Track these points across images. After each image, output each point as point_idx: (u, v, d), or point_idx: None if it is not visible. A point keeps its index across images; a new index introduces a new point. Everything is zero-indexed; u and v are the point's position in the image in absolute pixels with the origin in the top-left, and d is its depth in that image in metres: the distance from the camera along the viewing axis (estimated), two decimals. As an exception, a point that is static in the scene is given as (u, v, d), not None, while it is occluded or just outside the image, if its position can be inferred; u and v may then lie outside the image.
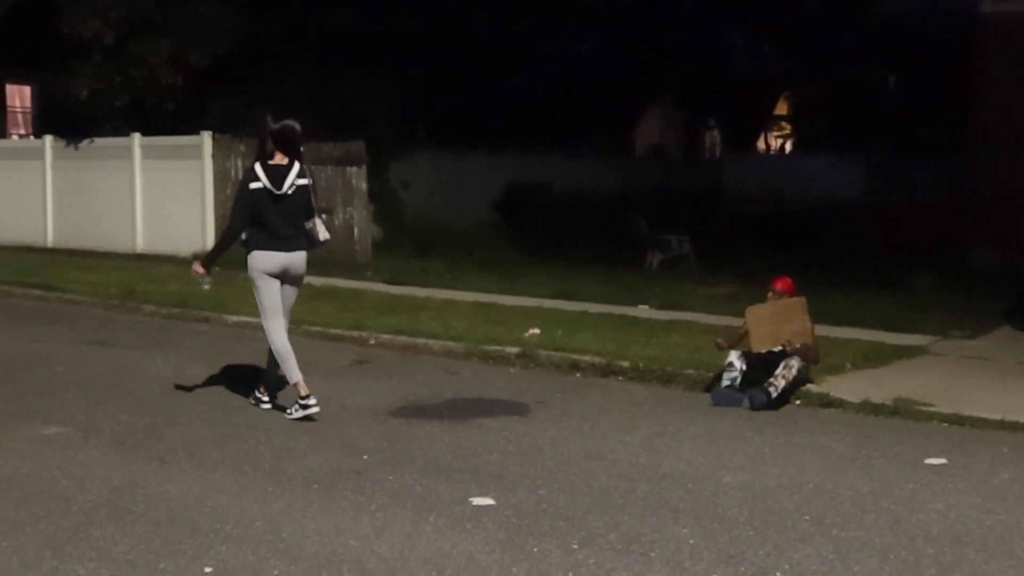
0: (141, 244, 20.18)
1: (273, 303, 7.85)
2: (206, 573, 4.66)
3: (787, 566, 4.84)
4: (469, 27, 25.33)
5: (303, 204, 7.84)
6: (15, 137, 29.00)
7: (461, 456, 6.67)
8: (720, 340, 8.95)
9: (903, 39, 25.19)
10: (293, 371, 7.67)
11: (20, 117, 30.70)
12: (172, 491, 5.83)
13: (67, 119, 21.79)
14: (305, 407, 7.58)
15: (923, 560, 4.95)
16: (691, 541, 5.16)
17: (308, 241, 7.95)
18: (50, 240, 21.63)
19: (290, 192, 7.73)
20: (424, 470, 6.30)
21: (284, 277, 7.91)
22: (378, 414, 7.83)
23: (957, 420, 7.89)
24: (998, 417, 7.85)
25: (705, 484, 6.14)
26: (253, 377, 9.12)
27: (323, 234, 8.05)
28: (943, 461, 6.72)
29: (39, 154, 21.79)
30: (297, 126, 7.78)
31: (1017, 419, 7.81)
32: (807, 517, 5.56)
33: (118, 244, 20.17)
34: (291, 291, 8.03)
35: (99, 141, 20.78)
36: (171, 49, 19.17)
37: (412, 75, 21.87)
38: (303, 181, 7.83)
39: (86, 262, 18.33)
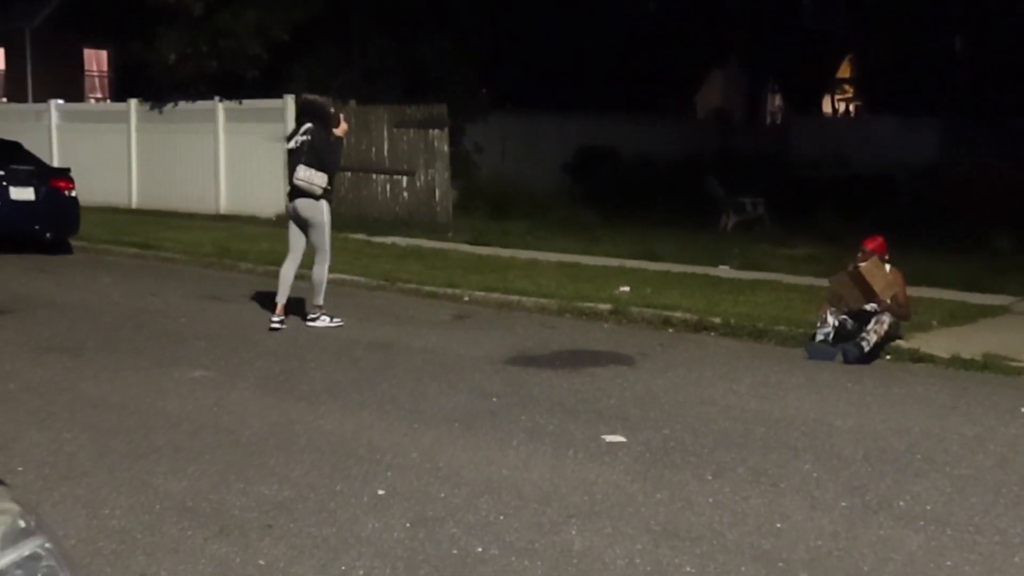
0: (224, 205, 20.78)
1: (289, 239, 9.86)
2: (379, 495, 5.14)
3: (908, 497, 5.24)
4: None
5: (301, 159, 9.38)
6: (92, 101, 29.79)
7: (583, 400, 7.12)
8: (824, 305, 9.18)
9: (973, -1, 25.07)
10: (279, 295, 9.66)
11: (97, 81, 31.51)
12: (327, 427, 6.34)
13: (145, 84, 22.41)
14: (273, 322, 9.51)
15: (1035, 494, 5.32)
16: (815, 475, 5.57)
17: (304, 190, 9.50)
18: (134, 201, 22.30)
19: (294, 147, 9.45)
20: (552, 411, 6.76)
21: (295, 219, 9.73)
22: (494, 363, 8.29)
23: (1048, 374, 8.18)
24: (1086, 370, 8.14)
25: (818, 427, 6.53)
26: (366, 328, 9.65)
27: (310, 185, 9.45)
28: (1040, 409, 7.05)
29: (124, 117, 22.40)
30: (313, 98, 9.92)
31: (1107, 373, 8.10)
32: (919, 456, 5.94)
33: (201, 205, 20.78)
34: (308, 230, 9.72)
35: (182, 105, 21.35)
36: (257, 21, 19.63)
37: (485, 39, 22.19)
38: (303, 138, 9.41)
39: (173, 222, 18.95)
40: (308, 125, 9.45)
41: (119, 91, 28.43)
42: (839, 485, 5.41)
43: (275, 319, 9.58)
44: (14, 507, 2.22)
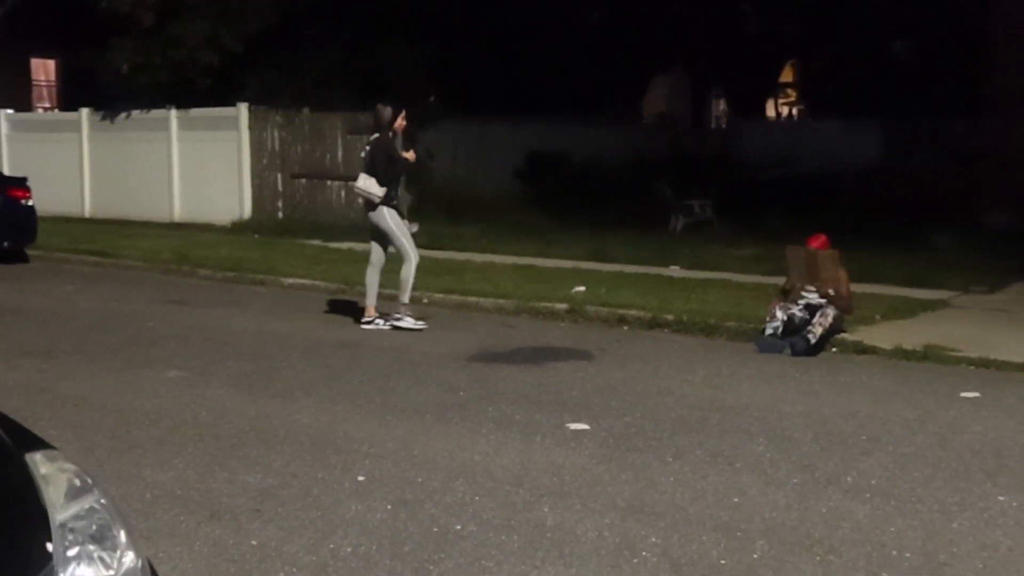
0: (178, 214, 20.86)
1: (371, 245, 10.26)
2: (360, 481, 5.43)
3: (855, 473, 5.62)
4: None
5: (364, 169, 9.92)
6: (40, 110, 29.63)
7: (546, 392, 7.45)
8: (775, 300, 9.63)
9: (914, 1, 25.76)
10: (367, 298, 10.11)
11: (45, 91, 31.33)
12: (304, 420, 6.61)
13: (95, 93, 22.42)
14: (362, 322, 10.03)
15: (971, 468, 5.72)
16: (768, 455, 5.94)
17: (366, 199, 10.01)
18: (87, 210, 22.28)
19: (363, 157, 10.09)
20: (517, 403, 7.08)
21: (371, 228, 10.25)
22: (458, 359, 8.60)
23: (984, 363, 8.61)
24: (1021, 360, 8.59)
25: (769, 413, 6.91)
26: (331, 328, 9.90)
27: (368, 194, 9.88)
28: (977, 394, 7.49)
29: (76, 127, 22.39)
30: (381, 107, 9.99)
31: (1040, 363, 8.55)
32: (864, 437, 6.33)
33: (155, 214, 20.83)
34: (383, 238, 10.14)
35: (135, 114, 21.39)
36: (207, 31, 19.75)
37: (436, 47, 22.48)
38: (367, 148, 10.04)
39: (129, 230, 19.02)
40: (375, 135, 9.93)
41: (67, 100, 28.31)
42: (791, 464, 5.78)
43: (364, 319, 10.06)
44: (72, 467, 2.50)
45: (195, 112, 20.44)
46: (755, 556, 4.50)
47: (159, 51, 20.23)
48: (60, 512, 2.34)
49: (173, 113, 20.66)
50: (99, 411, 6.77)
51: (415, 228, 10.42)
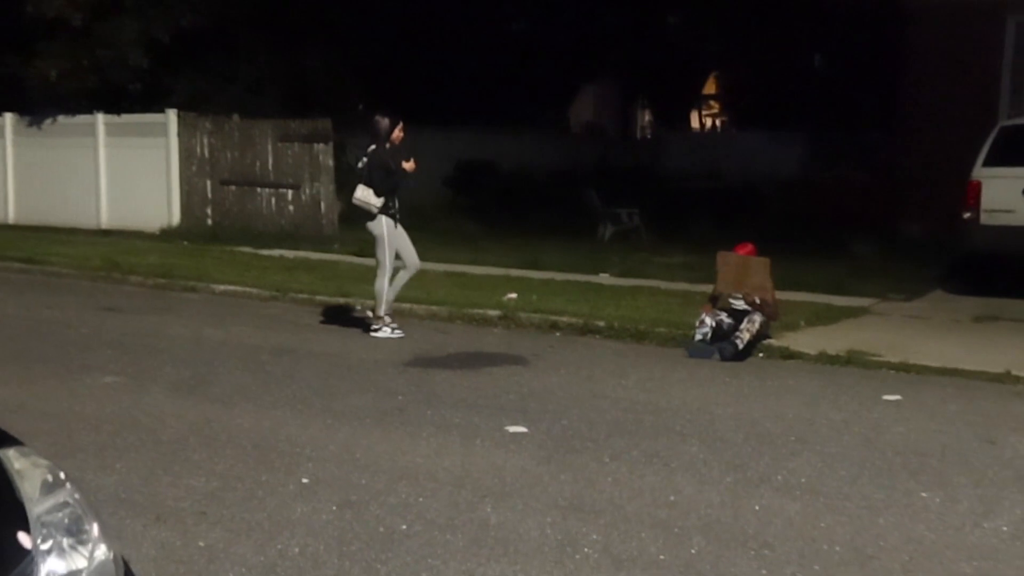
0: (106, 220, 20.62)
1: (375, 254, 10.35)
2: (304, 484, 5.50)
3: (785, 472, 5.83)
4: (417, 6, 26.03)
5: (362, 179, 9.98)
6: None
7: (483, 396, 7.57)
8: (704, 307, 9.88)
9: (831, 17, 26.35)
10: (377, 306, 10.22)
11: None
12: (245, 425, 6.65)
13: (19, 98, 22.03)
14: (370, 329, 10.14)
15: (894, 467, 5.97)
16: (701, 456, 6.13)
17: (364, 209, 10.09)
18: (11, 217, 21.93)
19: (360, 168, 10.11)
20: (456, 407, 7.20)
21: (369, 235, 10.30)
22: (395, 365, 8.69)
23: (904, 367, 8.92)
24: (939, 364, 8.91)
25: (701, 415, 7.11)
26: (267, 335, 9.93)
27: (366, 204, 9.99)
28: (898, 397, 7.77)
29: None
30: (378, 119, 10.08)
31: (956, 366, 8.86)
32: (793, 438, 6.56)
33: (82, 220, 20.57)
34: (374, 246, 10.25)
35: (62, 120, 21.08)
36: (138, 29, 19.57)
37: (367, 55, 22.53)
38: (364, 159, 10.05)
39: (56, 237, 18.76)
40: (372, 147, 9.97)
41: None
42: (723, 463, 5.98)
43: (372, 327, 10.17)
44: (45, 462, 2.57)
45: (123, 118, 20.22)
46: (693, 551, 4.67)
47: (87, 53, 19.98)
48: (36, 506, 2.41)
49: (100, 119, 20.42)
50: (38, 417, 6.74)
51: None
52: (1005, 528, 4.99)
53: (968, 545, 4.78)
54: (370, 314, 10.45)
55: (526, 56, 30.95)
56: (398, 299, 11.96)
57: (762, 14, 30.95)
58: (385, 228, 10.03)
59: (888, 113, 20.17)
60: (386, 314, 10.15)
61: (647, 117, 45.04)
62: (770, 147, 27.22)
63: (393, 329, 10.12)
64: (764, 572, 4.45)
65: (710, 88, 44.95)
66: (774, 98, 32.78)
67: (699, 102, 45.83)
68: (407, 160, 10.04)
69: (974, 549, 4.73)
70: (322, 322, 11.02)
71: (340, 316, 11.38)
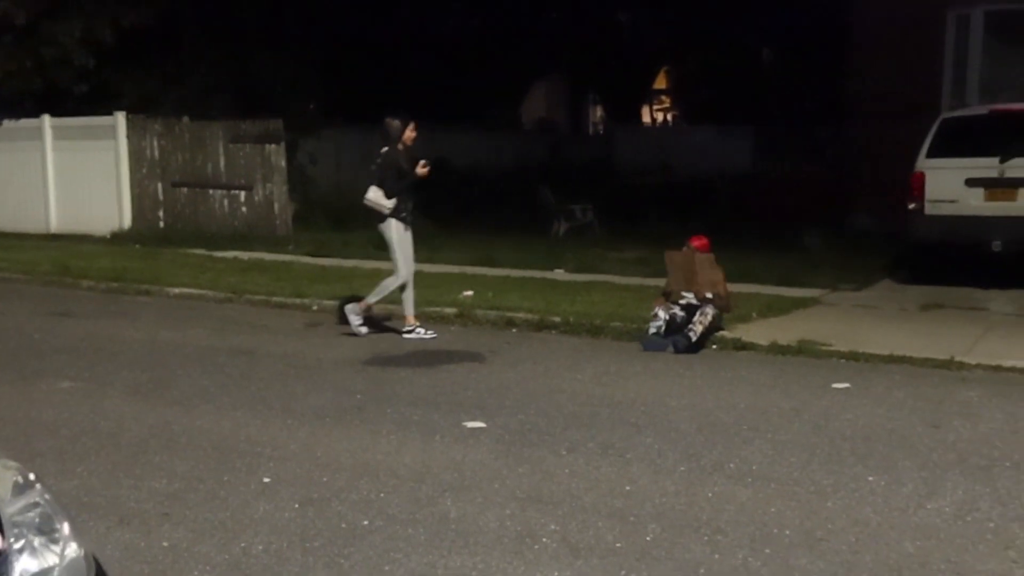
0: (55, 224, 20.44)
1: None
2: (265, 483, 5.56)
3: (738, 460, 5.98)
4: (367, 4, 26.04)
5: (374, 181, 9.95)
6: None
7: (441, 393, 7.66)
8: (658, 300, 10.03)
9: (779, 10, 26.68)
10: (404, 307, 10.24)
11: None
12: (204, 426, 6.69)
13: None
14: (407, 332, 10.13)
15: (843, 452, 6.14)
16: (656, 447, 6.26)
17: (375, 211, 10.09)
18: (-43, 222, 21.64)
19: (373, 170, 10.08)
20: (415, 404, 7.28)
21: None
22: (353, 364, 8.75)
23: (853, 356, 9.11)
24: (887, 352, 9.12)
25: (656, 407, 7.25)
26: (223, 336, 9.94)
27: (377, 206, 9.99)
28: (847, 385, 7.96)
29: (-57, 136, 21.73)
30: (389, 120, 10.04)
31: (904, 353, 9.08)
32: (745, 427, 6.71)
33: (30, 225, 20.37)
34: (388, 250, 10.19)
35: (7, 123, 20.85)
36: (83, 28, 19.40)
37: (316, 55, 22.48)
38: (377, 161, 10.05)
39: (4, 242, 18.57)
40: (385, 148, 9.95)
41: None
42: (678, 453, 6.11)
43: (404, 328, 10.17)
44: (14, 464, 2.64)
45: (71, 121, 20.05)
46: (648, 539, 4.80)
47: (31, 53, 19.77)
48: (7, 507, 2.48)
49: (47, 122, 20.23)
50: (-6, 423, 6.74)
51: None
52: (947, 508, 5.17)
53: (912, 526, 4.94)
54: (352, 319, 10.28)
55: (477, 53, 31.04)
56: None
57: (711, 8, 31.29)
58: (394, 231, 9.99)
59: (833, 107, 20.50)
60: (367, 309, 10.15)
61: (599, 113, 45.29)
62: (720, 142, 27.55)
63: (361, 324, 10.14)
64: (717, 556, 4.58)
65: (661, 83, 45.30)
66: (724, 93, 33.15)
67: (650, 97, 46.17)
68: (420, 163, 9.95)
69: (917, 529, 4.89)
70: (278, 323, 11.03)
71: (294, 317, 11.41)
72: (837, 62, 20.45)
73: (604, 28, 37.45)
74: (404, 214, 10.01)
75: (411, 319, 10.18)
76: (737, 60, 33.58)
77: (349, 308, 10.28)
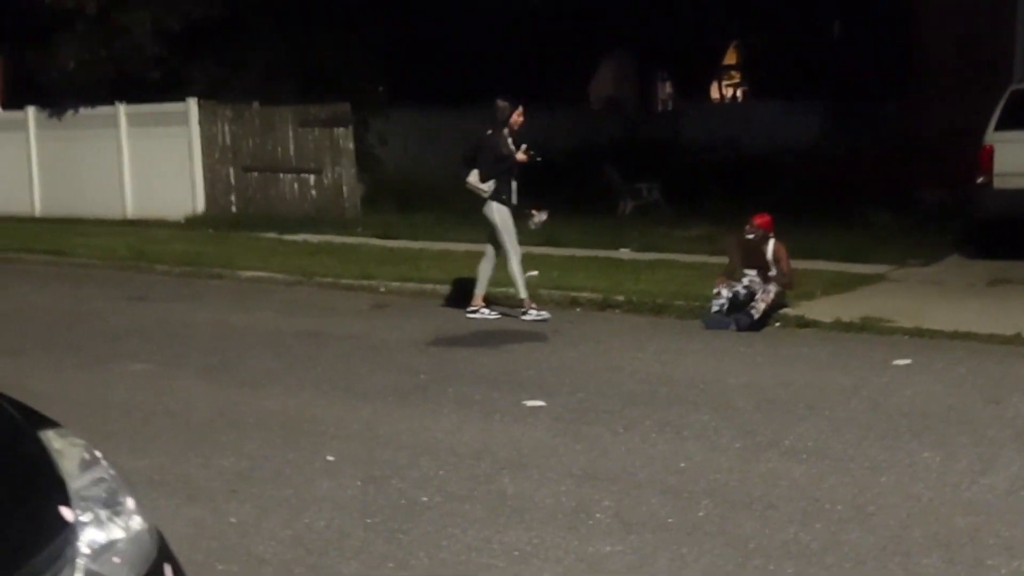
0: (131, 210, 20.90)
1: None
2: (329, 461, 5.74)
3: (793, 437, 6.02)
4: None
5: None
6: (-17, 109, 29.42)
7: (503, 373, 7.79)
8: (720, 279, 10.02)
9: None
10: (477, 286, 10.21)
11: (-12, 90, 31.09)
12: (271, 407, 6.90)
13: (39, 91, 22.34)
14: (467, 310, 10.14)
15: (899, 429, 6.15)
16: (712, 424, 6.32)
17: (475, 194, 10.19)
18: (37, 210, 22.24)
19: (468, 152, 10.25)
20: (476, 384, 7.42)
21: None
22: (417, 344, 8.92)
23: (917, 332, 9.06)
24: (952, 329, 9.04)
25: (714, 385, 7.30)
26: (292, 319, 10.17)
27: (476, 188, 10.10)
28: (909, 361, 7.93)
29: (22, 126, 22.32)
30: (499, 102, 10.08)
31: (969, 330, 9.00)
32: (802, 404, 6.74)
33: (107, 211, 20.85)
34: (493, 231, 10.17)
35: (83, 111, 21.35)
36: (153, 18, 19.79)
37: (383, 36, 22.67)
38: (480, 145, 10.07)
39: (82, 228, 19.06)
40: (488, 131, 9.98)
41: (10, 99, 28.12)
42: (733, 430, 6.17)
43: (469, 307, 10.13)
44: (81, 441, 2.81)
45: (144, 108, 20.46)
46: (700, 514, 4.88)
47: (104, 43, 20.22)
48: (75, 481, 2.64)
49: (122, 109, 20.67)
50: (70, 405, 6.97)
51: (543, 216, 10.59)
52: (1001, 484, 5.17)
53: (964, 501, 4.96)
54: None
55: (544, 30, 30.99)
56: (422, 280, 12.20)
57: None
58: (496, 214, 9.98)
59: (901, 80, 20.18)
60: (481, 295, 10.14)
61: (667, 89, 44.97)
62: (788, 117, 27.22)
63: (539, 311, 9.99)
64: (767, 531, 4.65)
65: (731, 58, 44.83)
66: (792, 67, 32.70)
67: (719, 72, 45.70)
68: (522, 147, 9.90)
69: (969, 505, 4.91)
70: (345, 305, 11.24)
71: (361, 299, 11.61)
72: (905, 35, 20.13)
73: (673, 2, 37.16)
74: (504, 197, 9.99)
75: (479, 299, 10.22)
76: (807, 34, 33.10)
77: (524, 317, 9.99)
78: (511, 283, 10.19)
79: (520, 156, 9.92)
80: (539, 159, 10.06)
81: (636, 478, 5.38)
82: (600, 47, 36.65)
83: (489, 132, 9.99)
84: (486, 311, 10.16)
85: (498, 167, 9.90)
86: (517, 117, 9.99)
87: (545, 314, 10.03)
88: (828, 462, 5.57)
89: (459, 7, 27.53)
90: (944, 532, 4.61)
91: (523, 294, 10.07)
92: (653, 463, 5.61)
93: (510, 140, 10.02)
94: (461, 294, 10.75)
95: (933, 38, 17.64)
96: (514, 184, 10.13)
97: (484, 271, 10.26)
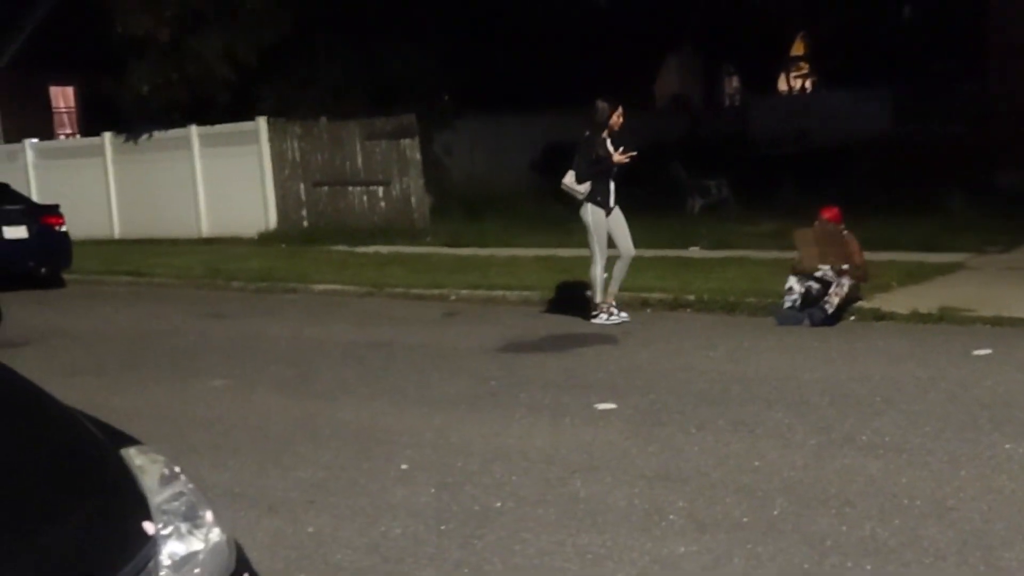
0: (206, 229, 21.32)
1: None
2: (403, 469, 5.80)
3: (869, 431, 5.95)
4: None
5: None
6: (61, 137, 30.22)
7: (573, 376, 7.81)
8: (796, 272, 9.91)
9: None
10: (595, 293, 10.05)
11: (66, 117, 31.95)
12: (346, 418, 7.00)
13: (114, 116, 22.90)
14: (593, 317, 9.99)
15: (979, 421, 6.04)
16: (787, 421, 6.27)
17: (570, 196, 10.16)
18: (117, 232, 22.77)
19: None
20: (546, 388, 7.44)
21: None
22: (487, 351, 8.97)
23: (997, 321, 8.88)
24: (1035, 316, 8.85)
25: (788, 382, 7.24)
26: (364, 330, 10.28)
27: (571, 190, 10.08)
28: (989, 351, 7.78)
29: (99, 151, 22.87)
30: (599, 103, 9.88)
31: (1050, 316, 8.81)
32: (878, 398, 6.65)
33: (183, 231, 21.28)
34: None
35: (157, 134, 21.84)
36: (224, 44, 20.19)
37: (447, 46, 22.82)
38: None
39: (159, 249, 19.49)
40: (587, 132, 9.89)
41: (87, 125, 28.87)
42: (808, 427, 6.11)
43: (592, 314, 10.03)
44: (161, 458, 2.89)
45: (215, 128, 20.87)
46: (775, 513, 4.84)
47: (177, 68, 20.67)
48: (155, 496, 2.72)
49: (194, 130, 21.10)
50: (153, 421, 7.16)
51: None
52: (1086, 474, 5.06)
53: (1047, 492, 4.86)
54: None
55: (608, 32, 30.96)
56: (491, 287, 12.26)
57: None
58: (591, 216, 9.89)
59: (975, 63, 19.80)
60: (603, 302, 9.97)
61: (735, 84, 44.62)
62: (857, 105, 26.89)
63: (611, 315, 9.92)
64: (844, 528, 4.60)
65: (798, 49, 44.34)
66: (862, 55, 32.26)
67: (787, 64, 45.23)
68: (619, 149, 9.77)
69: (1053, 496, 4.81)
70: (416, 314, 11.33)
71: (432, 308, 11.70)
72: (979, 16, 19.74)
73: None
74: (600, 198, 9.90)
75: (599, 301, 10.02)
76: (875, 20, 32.64)
77: (593, 319, 9.99)
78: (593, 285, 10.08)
79: (618, 158, 9.76)
80: (634, 153, 9.87)
81: (710, 478, 5.35)
82: (665, 45, 36.49)
83: (587, 133, 9.87)
84: (604, 316, 9.91)
85: (594, 168, 9.78)
86: (617, 118, 9.79)
87: (622, 316, 9.96)
88: (905, 456, 5.49)
89: (524, 13, 27.62)
90: (1027, 524, 4.52)
91: (599, 298, 10.00)
92: (727, 462, 5.58)
93: (609, 141, 9.86)
94: (566, 299, 10.70)
95: (1010, 17, 17.26)
96: (612, 186, 9.99)
97: (616, 273, 10.08)
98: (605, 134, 9.83)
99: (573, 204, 10.29)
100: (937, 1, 28.66)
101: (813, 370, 7.56)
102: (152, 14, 20.24)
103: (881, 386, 6.95)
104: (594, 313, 10.02)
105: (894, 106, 25.89)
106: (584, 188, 9.84)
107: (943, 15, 28.10)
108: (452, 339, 9.67)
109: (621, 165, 9.86)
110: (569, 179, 9.89)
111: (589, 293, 10.22)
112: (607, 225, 9.99)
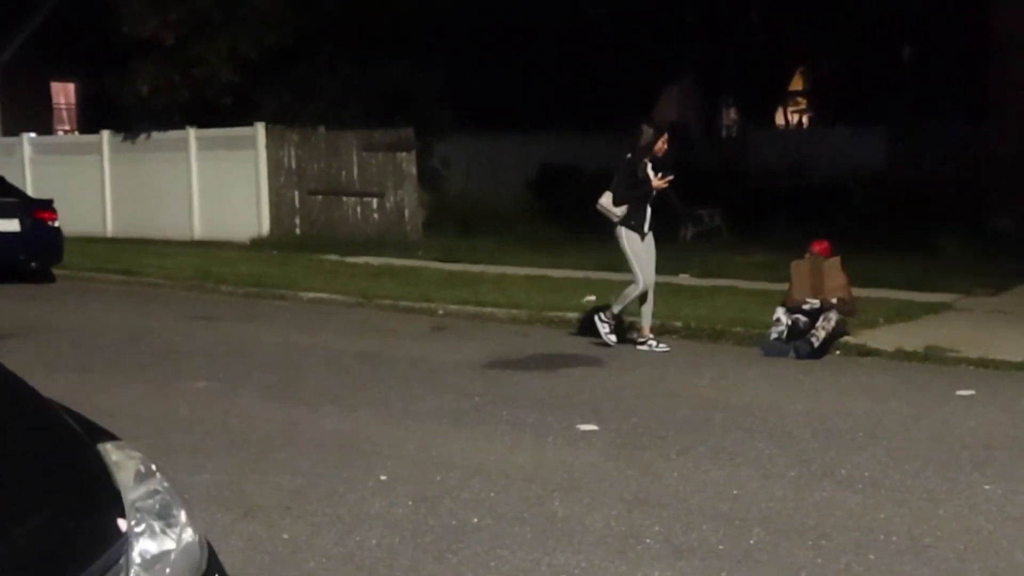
0: (199, 231, 21.32)
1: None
2: (382, 480, 5.79)
3: (849, 466, 5.96)
4: (498, 10, 26.37)
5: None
6: (60, 133, 30.21)
7: (557, 396, 7.81)
8: (788, 303, 9.93)
9: (918, 7, 26.01)
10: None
11: (65, 113, 31.94)
12: (328, 426, 6.98)
13: (114, 115, 22.91)
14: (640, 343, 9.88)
15: (960, 460, 6.05)
16: (767, 452, 6.27)
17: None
18: (109, 230, 22.76)
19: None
20: (530, 407, 7.44)
21: None
22: (473, 367, 8.96)
23: (982, 363, 8.91)
24: (1019, 359, 8.89)
25: (771, 412, 7.25)
26: (351, 340, 10.27)
27: (606, 211, 9.87)
28: (972, 392, 7.80)
29: (97, 149, 22.89)
30: (644, 127, 9.96)
31: (1036, 360, 8.84)
32: (860, 433, 6.66)
33: (176, 232, 21.28)
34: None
35: (155, 135, 21.87)
36: (228, 47, 20.23)
37: (447, 62, 22.89)
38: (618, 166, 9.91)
39: (151, 249, 19.46)
40: (628, 155, 9.75)
41: (86, 123, 28.86)
42: (789, 458, 6.12)
43: (638, 339, 9.93)
44: (137, 454, 2.88)
45: (213, 132, 20.90)
46: (751, 542, 4.84)
47: (180, 70, 20.71)
48: (130, 493, 2.71)
49: (192, 133, 21.13)
50: (134, 420, 7.12)
51: None
52: (1063, 518, 5.06)
53: (1024, 534, 4.87)
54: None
55: (608, 57, 31.08)
56: (480, 304, 12.27)
57: (849, 5, 30.66)
58: (625, 239, 9.74)
59: (972, 105, 19.92)
60: (613, 318, 9.94)
61: (732, 115, 44.79)
62: (854, 142, 27.01)
63: (607, 333, 9.89)
64: (819, 561, 4.60)
65: (797, 84, 44.54)
66: (860, 92, 32.43)
67: (785, 98, 45.41)
68: (658, 175, 9.65)
69: (1029, 538, 4.82)
70: (405, 327, 11.33)
71: (421, 321, 11.70)
72: (978, 59, 19.88)
73: (738, 29, 37.06)
74: (634, 222, 9.69)
75: (646, 330, 9.90)
76: (875, 59, 32.82)
77: (599, 317, 10.01)
78: (624, 302, 9.98)
79: (658, 183, 9.66)
80: (671, 178, 9.80)
81: (687, 504, 5.35)
82: (665, 74, 36.64)
83: (628, 156, 9.74)
84: (652, 343, 9.77)
85: (632, 192, 9.67)
86: (662, 144, 9.69)
87: (613, 339, 9.91)
88: (885, 492, 5.49)
89: (525, 34, 27.74)
90: (1003, 567, 4.53)
91: (616, 308, 9.97)
92: (705, 489, 5.58)
93: (649, 166, 9.74)
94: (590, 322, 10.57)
95: (1010, 60, 17.37)
96: (648, 211, 9.85)
97: (645, 307, 9.96)
98: (646, 159, 9.72)
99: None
100: (937, 43, 28.83)
101: (796, 402, 7.58)
102: (158, 16, 20.28)
103: (863, 421, 6.96)
104: (641, 340, 9.88)
105: (890, 144, 26.00)
106: (620, 211, 9.72)
107: (943, 57, 28.28)
108: (439, 353, 9.66)
109: (660, 191, 9.81)
110: (606, 200, 9.77)
111: (616, 309, 10.04)
112: (644, 248, 9.85)
